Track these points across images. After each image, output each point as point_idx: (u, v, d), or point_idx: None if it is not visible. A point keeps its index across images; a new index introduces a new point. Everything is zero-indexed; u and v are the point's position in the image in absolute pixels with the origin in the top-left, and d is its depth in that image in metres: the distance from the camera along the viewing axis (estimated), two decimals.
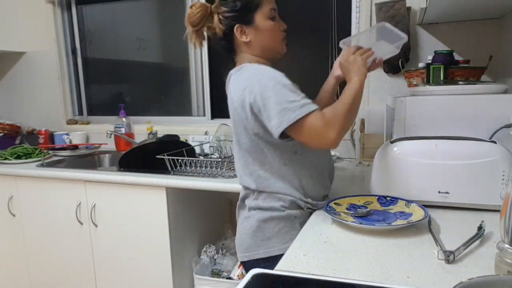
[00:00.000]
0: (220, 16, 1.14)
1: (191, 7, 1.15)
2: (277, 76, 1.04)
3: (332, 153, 1.96)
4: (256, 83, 1.03)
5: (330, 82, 1.31)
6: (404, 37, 1.12)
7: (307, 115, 0.98)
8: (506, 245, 0.70)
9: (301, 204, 1.13)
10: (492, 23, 1.71)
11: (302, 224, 1.09)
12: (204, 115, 2.47)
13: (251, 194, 1.16)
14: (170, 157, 1.74)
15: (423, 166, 1.09)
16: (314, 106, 1.00)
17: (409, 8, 1.78)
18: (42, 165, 2.07)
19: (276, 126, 0.99)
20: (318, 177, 1.17)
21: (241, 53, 1.18)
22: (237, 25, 1.12)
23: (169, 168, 1.75)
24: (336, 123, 1.00)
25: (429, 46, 1.80)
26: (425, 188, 1.10)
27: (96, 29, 2.67)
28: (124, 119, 2.40)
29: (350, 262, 0.81)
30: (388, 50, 1.15)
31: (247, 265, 1.15)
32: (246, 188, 1.17)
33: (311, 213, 1.13)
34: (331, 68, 2.08)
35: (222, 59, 2.33)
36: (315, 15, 2.12)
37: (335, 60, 2.05)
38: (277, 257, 1.00)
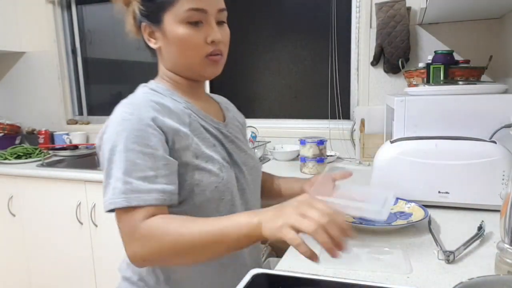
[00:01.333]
0: (135, 6, 0.83)
1: None
2: (140, 131, 0.72)
3: (332, 153, 1.96)
4: (113, 132, 0.73)
5: (295, 188, 0.99)
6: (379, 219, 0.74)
7: (122, 208, 0.69)
8: (506, 245, 0.70)
9: None
10: (492, 23, 1.71)
11: None
12: None
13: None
14: None
15: (423, 166, 1.09)
16: (146, 198, 0.69)
17: (409, 8, 1.78)
18: (42, 165, 2.07)
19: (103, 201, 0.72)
20: (196, 275, 0.83)
21: (159, 61, 0.88)
22: (143, 24, 0.83)
23: None
24: (146, 247, 0.67)
25: (429, 46, 1.80)
26: (425, 188, 1.10)
27: (96, 29, 2.67)
28: None
29: (350, 262, 0.81)
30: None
31: None
32: None
33: None
34: (331, 68, 2.10)
35: None
36: (315, 15, 2.12)
37: (335, 60, 2.07)
38: None
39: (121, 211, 0.70)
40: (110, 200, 0.70)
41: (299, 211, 0.60)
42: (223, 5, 0.82)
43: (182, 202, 0.77)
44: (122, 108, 0.76)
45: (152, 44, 0.83)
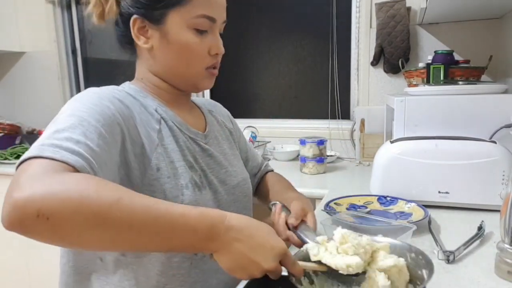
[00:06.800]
0: None
1: None
2: (96, 106, 0.61)
3: (332, 153, 1.96)
4: (68, 103, 0.63)
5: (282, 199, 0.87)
6: None
7: (34, 158, 0.50)
8: (506, 245, 0.71)
9: None
10: (492, 23, 1.71)
11: None
12: None
13: None
14: None
15: (423, 166, 1.09)
16: (64, 154, 0.50)
17: (409, 8, 1.78)
18: None
19: None
20: None
21: (140, 61, 0.78)
22: (135, 16, 0.72)
23: None
24: (55, 190, 0.45)
25: (429, 46, 1.80)
26: (425, 188, 1.10)
27: (96, 29, 2.66)
28: None
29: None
30: None
31: None
32: None
33: None
34: (331, 68, 2.10)
35: (223, 55, 2.33)
36: (315, 15, 2.12)
37: (335, 60, 2.06)
38: None
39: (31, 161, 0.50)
40: (23, 156, 0.51)
41: (268, 266, 0.53)
42: (226, 17, 0.78)
43: None
44: (88, 89, 0.67)
45: (142, 42, 0.73)
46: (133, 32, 0.73)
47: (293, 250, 0.85)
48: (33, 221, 0.43)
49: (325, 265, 0.58)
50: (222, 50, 0.76)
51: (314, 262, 0.59)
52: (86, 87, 2.73)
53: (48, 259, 2.04)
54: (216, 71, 0.78)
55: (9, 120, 2.65)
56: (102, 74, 2.72)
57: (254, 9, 2.24)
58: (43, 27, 2.62)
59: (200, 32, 0.72)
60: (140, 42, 0.73)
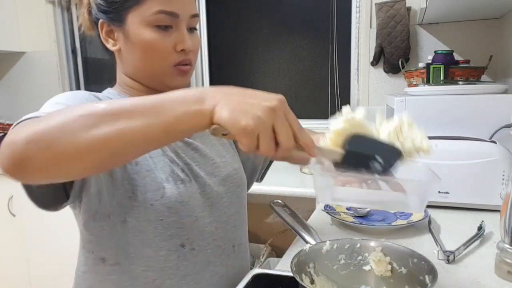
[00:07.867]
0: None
1: None
2: (71, 97, 0.67)
3: None
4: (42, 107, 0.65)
5: None
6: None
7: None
8: (506, 245, 0.71)
9: None
10: (492, 23, 1.71)
11: None
12: None
13: None
14: None
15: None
16: (43, 113, 0.54)
17: (409, 8, 1.78)
18: None
19: None
20: None
21: (117, 65, 0.81)
22: (101, 21, 0.74)
23: None
24: (45, 120, 0.48)
25: (429, 46, 1.80)
26: None
27: None
28: None
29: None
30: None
31: None
32: None
33: None
34: (331, 68, 2.10)
35: (223, 55, 2.34)
36: (315, 15, 2.12)
37: (335, 60, 2.06)
38: None
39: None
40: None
41: (270, 122, 0.50)
42: (196, 11, 0.75)
43: (112, 215, 0.68)
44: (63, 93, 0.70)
45: (110, 45, 0.75)
46: (102, 35, 0.75)
47: (294, 251, 0.85)
48: (22, 146, 0.45)
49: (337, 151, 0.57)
50: (188, 45, 0.71)
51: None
52: (86, 87, 2.74)
53: (48, 259, 2.04)
54: (187, 68, 0.74)
55: (9, 120, 2.65)
56: (102, 74, 2.72)
57: (254, 9, 2.24)
58: (43, 27, 2.62)
59: (162, 28, 0.70)
60: (109, 45, 0.75)
